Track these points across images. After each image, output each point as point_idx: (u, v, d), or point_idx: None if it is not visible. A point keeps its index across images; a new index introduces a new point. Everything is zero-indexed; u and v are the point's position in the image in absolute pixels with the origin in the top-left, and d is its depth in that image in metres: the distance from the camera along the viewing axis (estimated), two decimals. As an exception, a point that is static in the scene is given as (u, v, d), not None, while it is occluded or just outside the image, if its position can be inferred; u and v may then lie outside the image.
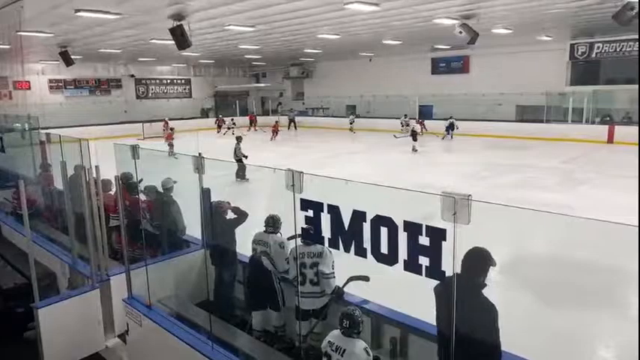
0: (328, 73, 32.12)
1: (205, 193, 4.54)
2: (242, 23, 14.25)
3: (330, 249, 3.80)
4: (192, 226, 5.61)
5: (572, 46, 20.89)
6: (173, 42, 12.14)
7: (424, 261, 2.42)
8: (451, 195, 2.26)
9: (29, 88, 25.37)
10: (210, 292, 4.70)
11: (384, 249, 2.59)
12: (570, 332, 4.95)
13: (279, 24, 14.58)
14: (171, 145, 17.80)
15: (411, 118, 24.41)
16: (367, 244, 2.68)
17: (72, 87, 28.77)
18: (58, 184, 6.80)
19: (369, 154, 19.73)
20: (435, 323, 3.03)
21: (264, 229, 4.64)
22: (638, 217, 4.11)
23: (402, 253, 2.52)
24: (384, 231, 2.57)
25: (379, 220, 2.59)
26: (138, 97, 31.84)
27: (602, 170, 14.61)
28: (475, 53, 24.22)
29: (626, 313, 5.34)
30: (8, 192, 8.54)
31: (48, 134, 7.58)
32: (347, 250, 2.79)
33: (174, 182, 5.63)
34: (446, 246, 2.34)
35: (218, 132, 28.08)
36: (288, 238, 4.46)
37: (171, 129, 20.54)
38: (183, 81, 34.24)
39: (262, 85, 36.97)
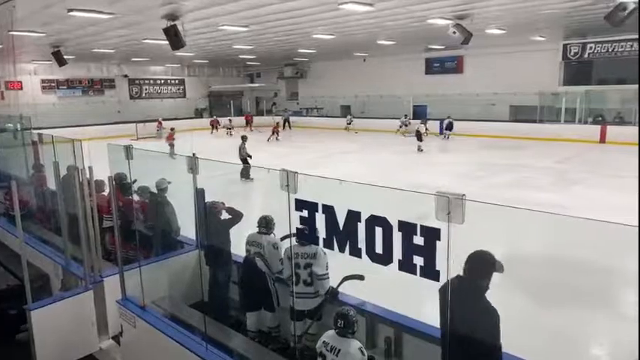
0: (322, 73, 32.12)
1: (199, 194, 4.52)
2: (236, 23, 14.24)
3: (325, 250, 3.80)
4: (187, 227, 5.57)
5: (564, 46, 21.04)
6: (167, 42, 12.09)
7: (419, 261, 2.43)
8: (445, 195, 2.27)
9: (21, 89, 25.15)
10: (205, 292, 4.68)
11: (378, 249, 2.59)
12: (566, 332, 4.97)
13: (273, 24, 14.57)
14: (172, 146, 17.67)
15: (413, 119, 24.45)
16: (362, 244, 2.68)
17: (65, 87, 28.58)
18: (51, 184, 6.76)
19: (363, 154, 19.75)
20: (433, 323, 3.02)
21: (257, 229, 4.63)
22: (638, 217, 4.13)
23: (397, 253, 2.52)
24: (378, 231, 2.57)
25: (374, 220, 2.59)
26: (131, 97, 31.68)
27: (595, 170, 14.71)
28: (469, 53, 24.30)
29: (621, 312, 5.38)
30: (0, 193, 8.46)
31: (40, 134, 7.53)
32: (342, 250, 2.79)
33: (169, 183, 5.60)
34: (440, 245, 2.34)
35: (212, 132, 28.01)
36: (282, 238, 4.44)
37: (172, 129, 19.81)
38: (177, 81, 34.11)
39: (256, 85, 36.91)
